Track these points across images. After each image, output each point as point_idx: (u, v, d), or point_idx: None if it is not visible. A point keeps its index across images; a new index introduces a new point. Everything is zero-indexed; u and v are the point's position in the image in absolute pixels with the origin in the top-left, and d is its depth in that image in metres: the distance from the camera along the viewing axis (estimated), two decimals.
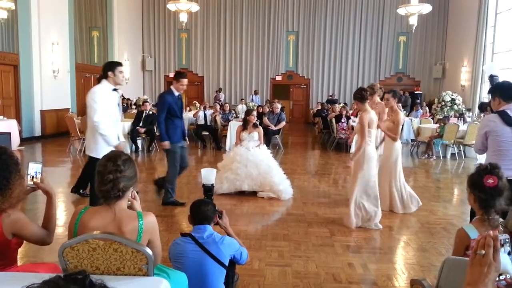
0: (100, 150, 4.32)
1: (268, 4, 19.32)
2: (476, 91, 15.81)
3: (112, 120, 4.53)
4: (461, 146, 9.97)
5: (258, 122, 6.73)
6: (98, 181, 1.97)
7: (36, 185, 2.15)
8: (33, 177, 2.15)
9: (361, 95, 4.85)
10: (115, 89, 4.55)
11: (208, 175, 3.26)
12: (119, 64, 4.64)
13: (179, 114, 5.42)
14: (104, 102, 4.40)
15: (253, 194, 6.05)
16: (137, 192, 2.24)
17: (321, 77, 19.74)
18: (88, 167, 5.19)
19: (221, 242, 2.63)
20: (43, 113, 12.32)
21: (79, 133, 9.75)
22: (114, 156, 2.00)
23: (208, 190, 3.16)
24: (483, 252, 1.17)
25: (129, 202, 2.15)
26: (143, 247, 1.86)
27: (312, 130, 16.20)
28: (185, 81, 5.37)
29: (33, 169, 2.15)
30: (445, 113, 10.96)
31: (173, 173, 5.44)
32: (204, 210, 2.70)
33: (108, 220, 1.95)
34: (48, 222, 2.21)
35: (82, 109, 14.09)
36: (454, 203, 6.20)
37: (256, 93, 18.84)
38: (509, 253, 1.23)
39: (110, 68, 4.50)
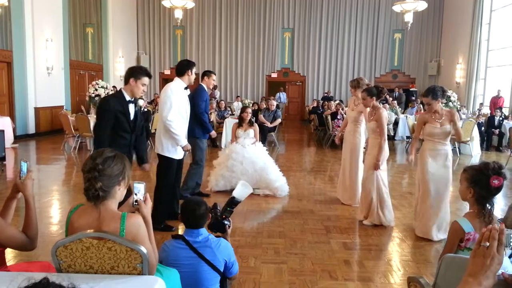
0: (174, 149, 4.36)
1: (264, 1, 19.26)
2: (471, 88, 15.87)
3: (184, 119, 4.47)
4: (456, 143, 10.00)
5: (253, 119, 6.71)
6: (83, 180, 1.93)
7: (17, 184, 2.09)
8: (21, 176, 2.09)
9: (378, 92, 4.82)
10: (186, 87, 4.50)
11: (242, 191, 2.89)
12: (194, 64, 4.67)
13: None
14: (178, 100, 4.34)
15: None
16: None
17: (316, 74, 19.73)
18: (160, 168, 4.54)
19: (217, 247, 2.48)
20: (37, 110, 12.23)
21: (73, 131, 9.69)
22: (96, 154, 1.93)
23: (235, 204, 2.84)
24: (488, 244, 1.16)
25: (137, 204, 2.06)
26: (137, 246, 1.84)
27: (308, 127, 16.19)
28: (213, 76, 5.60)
29: (22, 167, 2.10)
30: None
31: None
32: (199, 216, 2.50)
33: (91, 220, 1.90)
34: (27, 228, 2.07)
35: (77, 106, 14.02)
36: (449, 199, 6.20)
37: (281, 90, 18.94)
38: (510, 256, 1.23)
39: (189, 66, 4.48)
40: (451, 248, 2.22)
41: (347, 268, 3.63)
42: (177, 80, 4.49)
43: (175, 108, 4.29)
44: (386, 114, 4.79)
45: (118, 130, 3.68)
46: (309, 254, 3.89)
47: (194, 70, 4.56)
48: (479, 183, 2.17)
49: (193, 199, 2.74)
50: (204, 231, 2.54)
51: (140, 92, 3.80)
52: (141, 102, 4.04)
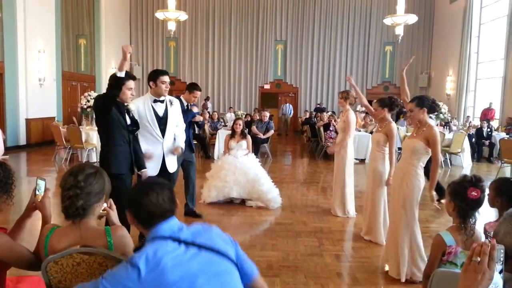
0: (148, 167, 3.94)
1: (257, 13, 19.44)
2: (461, 100, 16.07)
3: (149, 132, 4.07)
4: (446, 154, 10.08)
5: (246, 131, 6.73)
6: (60, 197, 1.85)
7: (35, 204, 2.03)
8: (36, 194, 2.04)
9: (390, 103, 4.64)
10: (158, 100, 4.08)
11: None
12: (163, 73, 4.09)
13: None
14: (139, 113, 3.98)
15: (241, 203, 6.02)
16: None
17: (309, 86, 19.87)
18: None
19: (209, 227, 1.72)
20: (28, 121, 12.14)
21: (64, 142, 9.62)
22: (77, 170, 1.85)
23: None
24: (479, 259, 1.17)
25: (105, 212, 2.04)
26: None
27: (301, 138, 16.24)
28: (197, 93, 5.04)
29: (38, 185, 2.04)
30: None
31: None
32: (167, 200, 1.68)
33: (74, 239, 1.84)
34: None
35: (68, 118, 13.94)
36: (440, 211, 6.23)
37: (286, 101, 19.13)
38: (500, 271, 1.24)
39: (151, 77, 4.06)
40: (434, 261, 2.24)
41: (339, 280, 3.62)
42: (146, 93, 4.26)
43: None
44: (396, 130, 4.51)
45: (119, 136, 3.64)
46: (302, 266, 3.88)
47: (161, 79, 4.02)
48: (458, 196, 2.21)
49: (144, 182, 1.91)
50: (175, 219, 1.69)
51: (128, 97, 3.63)
52: (133, 107, 3.87)
